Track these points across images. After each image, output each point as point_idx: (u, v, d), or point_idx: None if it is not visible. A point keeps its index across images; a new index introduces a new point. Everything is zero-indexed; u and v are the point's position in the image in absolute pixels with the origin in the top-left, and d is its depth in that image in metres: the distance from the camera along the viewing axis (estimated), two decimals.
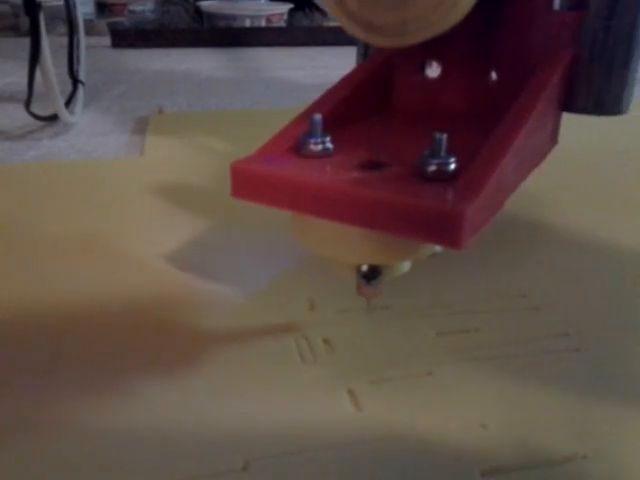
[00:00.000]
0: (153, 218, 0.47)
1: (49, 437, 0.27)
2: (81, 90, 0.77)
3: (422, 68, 0.39)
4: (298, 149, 0.31)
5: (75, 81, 0.78)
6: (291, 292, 0.37)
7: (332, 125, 0.32)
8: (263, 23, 1.37)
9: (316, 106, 0.35)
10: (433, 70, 0.39)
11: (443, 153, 0.28)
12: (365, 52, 0.45)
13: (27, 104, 0.65)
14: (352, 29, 0.34)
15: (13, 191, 0.52)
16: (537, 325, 0.35)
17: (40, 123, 0.69)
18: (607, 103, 0.37)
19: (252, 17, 1.36)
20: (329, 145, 0.31)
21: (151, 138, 0.67)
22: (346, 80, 0.38)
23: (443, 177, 0.27)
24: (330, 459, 0.26)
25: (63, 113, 0.66)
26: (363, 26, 0.33)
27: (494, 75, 0.38)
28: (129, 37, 1.24)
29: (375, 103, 0.39)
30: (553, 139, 0.39)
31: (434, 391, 0.30)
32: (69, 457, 0.26)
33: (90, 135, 0.68)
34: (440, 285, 0.38)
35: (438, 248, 0.31)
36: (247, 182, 0.29)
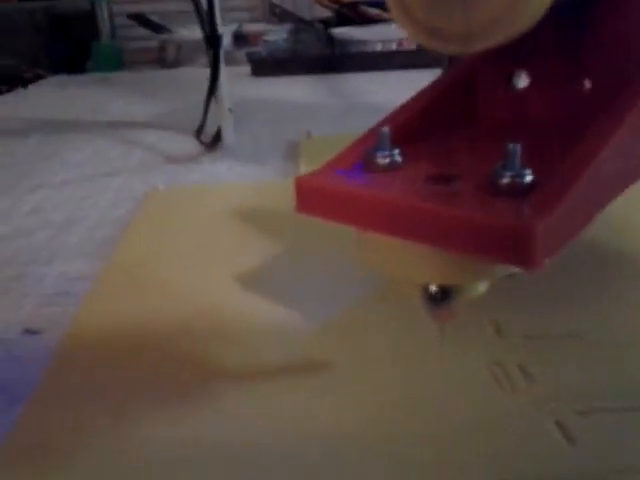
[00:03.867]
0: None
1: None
2: (231, 117, 0.81)
3: (509, 79, 0.36)
4: (366, 163, 0.29)
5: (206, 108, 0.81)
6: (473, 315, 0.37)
7: (404, 138, 0.30)
8: (394, 47, 1.38)
9: (387, 119, 0.33)
10: (521, 81, 0.36)
11: (517, 164, 0.25)
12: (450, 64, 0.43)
13: (199, 131, 0.69)
14: (417, 36, 0.31)
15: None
16: None
17: (201, 149, 0.73)
18: None
19: (384, 41, 1.38)
20: (398, 158, 0.29)
21: (304, 160, 0.68)
22: (423, 92, 0.36)
23: (517, 191, 0.25)
24: None
25: (229, 137, 0.70)
26: (428, 33, 0.31)
27: (587, 84, 0.35)
28: (266, 65, 1.29)
29: (454, 116, 0.36)
30: None
31: None
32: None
33: (247, 158, 0.71)
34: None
35: (515, 268, 0.27)
36: (311, 196, 0.28)
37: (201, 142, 0.70)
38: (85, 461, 0.28)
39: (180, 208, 0.57)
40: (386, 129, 0.29)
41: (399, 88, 1.04)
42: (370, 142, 0.30)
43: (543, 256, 0.23)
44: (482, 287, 0.29)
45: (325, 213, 0.28)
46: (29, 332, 0.39)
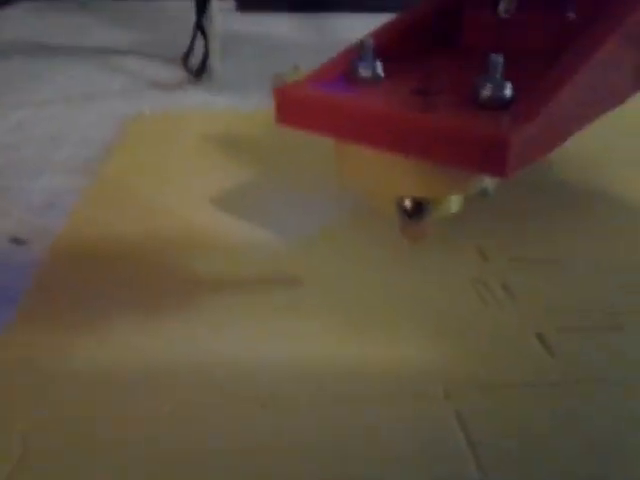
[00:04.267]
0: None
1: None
2: (218, 45, 0.79)
3: (494, 4, 0.37)
4: (348, 76, 0.29)
5: (203, 32, 0.79)
6: (461, 240, 0.37)
7: (387, 54, 0.31)
8: None
9: (373, 34, 0.33)
10: (508, 7, 0.36)
11: (499, 77, 0.25)
12: None
13: (186, 58, 0.67)
14: None
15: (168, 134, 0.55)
16: None
17: (185, 76, 0.72)
18: None
19: None
20: (380, 71, 0.29)
21: None
22: (407, 13, 0.36)
23: (497, 104, 0.25)
24: (530, 395, 0.26)
25: (216, 65, 0.69)
26: None
27: (571, 15, 0.35)
28: (252, 1, 1.26)
29: (437, 39, 0.37)
30: (637, 80, 0.34)
31: (627, 346, 0.29)
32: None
33: (232, 89, 0.70)
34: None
35: (489, 185, 0.29)
36: (292, 107, 0.28)
37: (187, 69, 0.69)
38: (71, 363, 0.28)
39: (165, 132, 0.56)
40: (369, 39, 0.29)
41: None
42: (352, 56, 0.30)
43: (515, 166, 0.24)
44: (454, 206, 0.30)
45: (305, 124, 0.28)
46: (16, 241, 0.39)
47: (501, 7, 0.36)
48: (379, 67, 0.29)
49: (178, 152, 0.51)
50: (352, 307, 0.32)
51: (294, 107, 0.28)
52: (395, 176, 0.27)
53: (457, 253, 0.36)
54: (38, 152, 0.52)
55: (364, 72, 0.29)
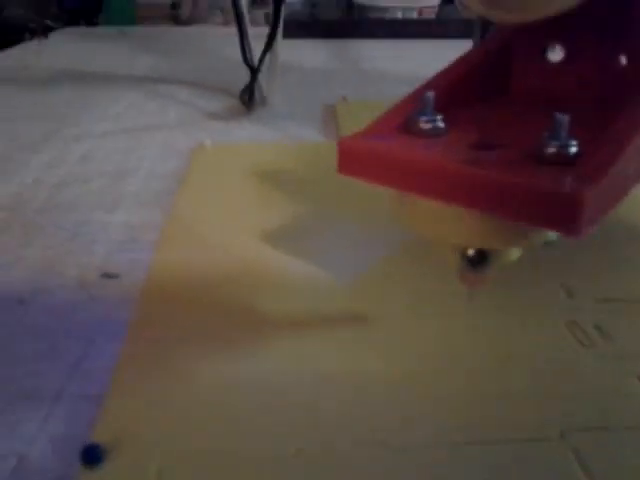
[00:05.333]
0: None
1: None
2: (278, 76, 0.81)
3: (543, 51, 0.37)
4: (408, 127, 0.30)
5: (252, 69, 0.81)
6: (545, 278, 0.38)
7: (444, 105, 0.31)
8: (415, 15, 1.38)
9: (428, 85, 0.34)
10: (555, 54, 0.36)
11: (564, 135, 0.26)
12: (482, 37, 0.43)
13: (251, 91, 0.69)
14: (473, 4, 0.32)
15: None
16: None
17: (239, 107, 0.73)
18: None
19: (404, 9, 1.37)
20: (440, 124, 0.29)
21: (343, 124, 0.69)
22: (461, 60, 0.36)
23: (562, 161, 0.26)
24: (636, 437, 0.27)
25: (273, 97, 0.70)
26: (485, 1, 0.31)
27: (623, 60, 0.35)
28: (287, 27, 1.28)
29: (490, 87, 0.37)
30: None
31: None
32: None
33: (285, 119, 0.71)
34: None
35: (552, 235, 0.29)
36: (354, 158, 0.29)
37: (244, 101, 0.70)
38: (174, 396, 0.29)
39: (227, 164, 0.57)
40: (431, 93, 0.29)
41: (420, 57, 1.05)
42: (411, 107, 0.31)
43: (587, 224, 0.24)
44: (517, 253, 0.30)
45: (367, 175, 0.29)
46: (107, 276, 0.40)
47: (549, 53, 0.37)
48: (439, 120, 0.30)
49: (241, 186, 0.53)
50: (430, 348, 0.32)
51: (354, 158, 0.29)
52: (461, 227, 0.28)
53: (539, 290, 0.37)
54: (108, 185, 0.53)
55: (424, 125, 0.30)
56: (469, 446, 0.26)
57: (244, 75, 0.73)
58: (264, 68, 0.73)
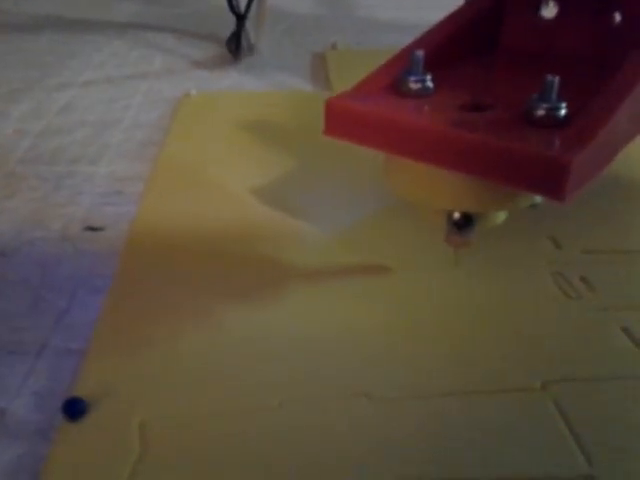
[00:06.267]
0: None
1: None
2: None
3: (537, 7, 0.36)
4: (396, 87, 0.29)
5: (238, 16, 0.79)
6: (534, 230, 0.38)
7: (433, 64, 0.30)
8: None
9: (417, 43, 0.33)
10: (549, 10, 0.36)
11: (554, 97, 0.25)
12: None
13: (237, 39, 0.67)
14: None
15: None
16: None
17: (226, 55, 0.71)
18: None
19: None
20: (429, 84, 0.29)
21: (333, 73, 0.67)
22: (451, 17, 0.35)
23: (551, 123, 0.25)
24: (618, 388, 0.27)
25: (260, 43, 0.68)
26: None
27: (617, 17, 0.34)
28: None
29: (481, 44, 0.36)
30: None
31: None
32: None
33: (274, 68, 0.70)
34: None
35: (537, 198, 0.29)
36: (341, 119, 0.28)
37: (231, 50, 0.68)
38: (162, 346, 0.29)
39: (214, 114, 0.56)
40: (420, 52, 0.29)
41: (423, 3, 1.02)
42: (400, 65, 0.30)
43: (573, 189, 0.24)
44: (502, 216, 0.30)
45: (354, 137, 0.28)
46: (91, 229, 0.39)
47: (542, 9, 0.36)
48: (429, 80, 0.29)
49: (227, 136, 0.52)
50: (419, 300, 0.32)
51: (342, 121, 0.28)
52: (447, 190, 0.28)
53: (526, 242, 0.37)
54: (91, 136, 0.52)
55: (414, 85, 0.29)
56: (451, 397, 0.26)
57: (231, 22, 0.71)
58: (251, 14, 0.71)
